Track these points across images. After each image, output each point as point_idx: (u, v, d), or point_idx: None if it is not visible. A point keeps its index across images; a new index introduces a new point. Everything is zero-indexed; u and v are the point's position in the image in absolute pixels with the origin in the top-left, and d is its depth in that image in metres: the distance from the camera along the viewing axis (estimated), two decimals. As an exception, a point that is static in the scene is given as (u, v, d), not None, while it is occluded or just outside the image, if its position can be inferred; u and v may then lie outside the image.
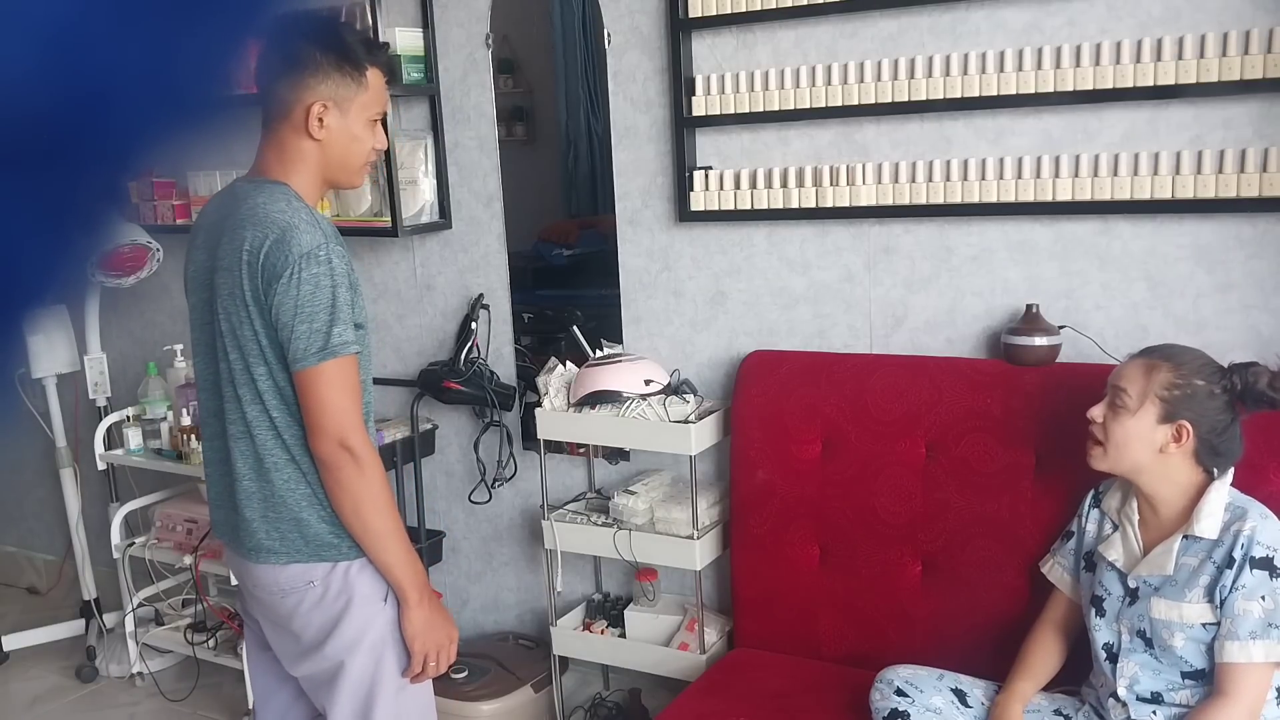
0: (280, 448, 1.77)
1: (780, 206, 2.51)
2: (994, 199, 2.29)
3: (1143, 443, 1.85)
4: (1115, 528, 1.96)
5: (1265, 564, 1.76)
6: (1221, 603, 1.77)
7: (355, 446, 1.71)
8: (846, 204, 2.44)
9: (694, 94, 2.57)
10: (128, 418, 3.32)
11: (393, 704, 1.84)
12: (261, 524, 1.79)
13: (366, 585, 1.81)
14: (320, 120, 1.75)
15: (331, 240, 1.73)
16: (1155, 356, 1.88)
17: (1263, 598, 1.75)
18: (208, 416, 1.87)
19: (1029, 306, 2.28)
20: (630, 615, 2.75)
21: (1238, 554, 1.76)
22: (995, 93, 2.26)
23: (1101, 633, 1.92)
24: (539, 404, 2.69)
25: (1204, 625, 1.79)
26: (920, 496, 2.34)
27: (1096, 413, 1.90)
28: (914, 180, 2.38)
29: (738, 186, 2.56)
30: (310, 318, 1.68)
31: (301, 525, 1.78)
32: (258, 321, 1.72)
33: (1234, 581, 1.76)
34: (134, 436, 3.29)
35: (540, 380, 2.71)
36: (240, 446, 1.79)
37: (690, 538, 2.52)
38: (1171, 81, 2.10)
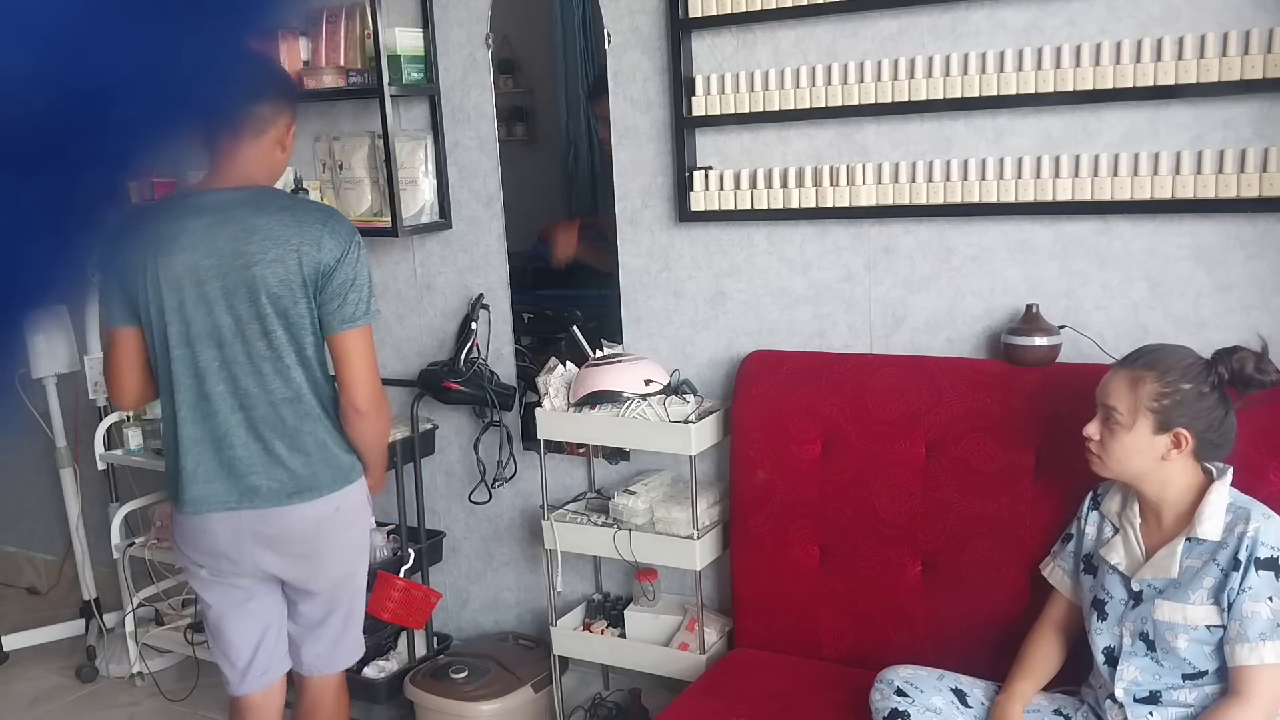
0: (320, 403, 2.13)
1: (780, 206, 2.51)
2: (994, 199, 2.29)
3: (1143, 455, 1.84)
4: (1115, 530, 1.96)
5: (1270, 564, 1.76)
6: (1229, 606, 1.77)
7: (380, 391, 2.16)
8: (846, 204, 2.44)
9: (694, 94, 2.57)
10: (127, 418, 3.32)
11: (362, 600, 2.37)
12: (301, 470, 2.11)
13: (367, 502, 2.26)
14: (290, 136, 2.15)
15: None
16: (1138, 366, 1.85)
17: (1270, 598, 1.75)
18: (220, 397, 2.09)
19: (1029, 306, 2.28)
20: (630, 615, 2.75)
21: (1242, 556, 1.76)
22: (995, 93, 2.25)
23: (1102, 636, 1.92)
24: (539, 404, 2.69)
25: (1208, 627, 1.79)
26: (920, 496, 2.34)
27: (1092, 430, 1.89)
28: (914, 180, 2.38)
29: (738, 186, 2.56)
30: (360, 287, 2.08)
31: (333, 462, 2.15)
32: (313, 300, 2.05)
33: (1240, 584, 1.75)
34: (134, 436, 3.29)
35: (540, 380, 2.71)
36: (281, 411, 2.09)
37: (690, 538, 2.52)
38: (1171, 81, 2.10)
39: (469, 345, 2.93)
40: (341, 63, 2.95)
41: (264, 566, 2.17)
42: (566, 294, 3.10)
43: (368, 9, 2.82)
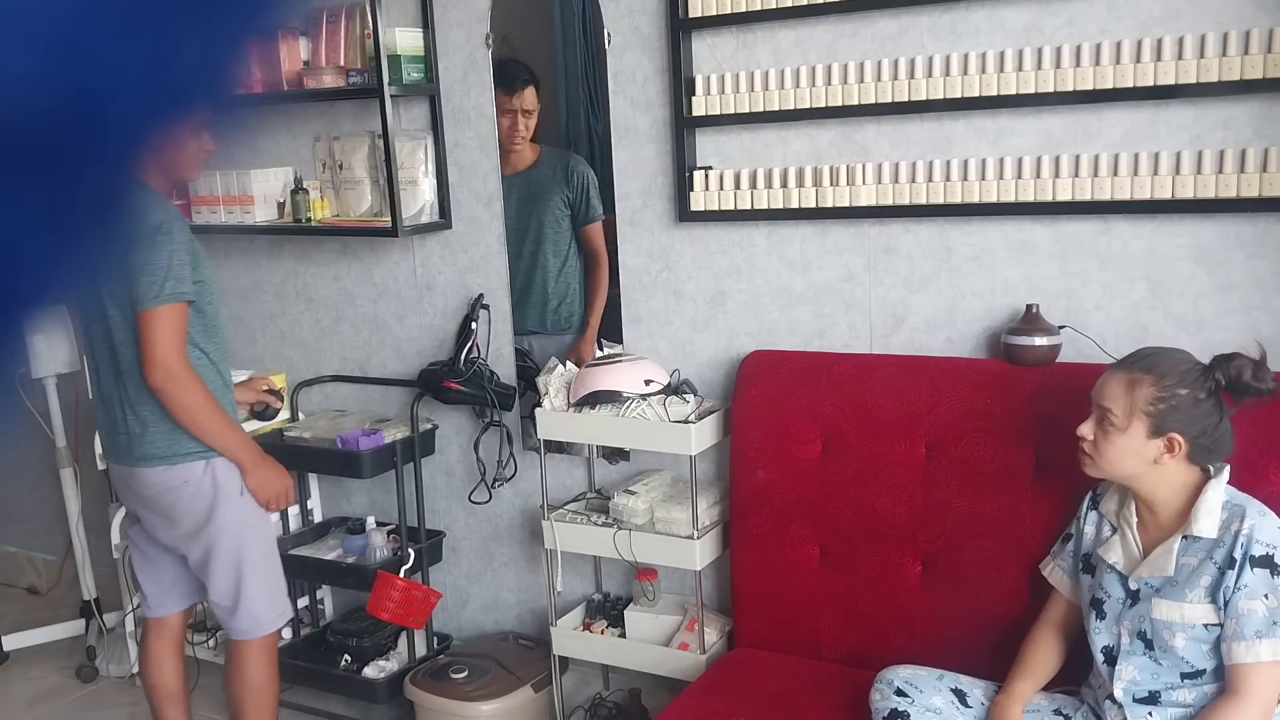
0: None
1: (780, 206, 2.51)
2: (994, 199, 2.29)
3: (1135, 457, 1.84)
4: (1114, 530, 1.96)
5: (1266, 562, 1.76)
6: (1225, 604, 1.77)
7: (176, 370, 2.27)
8: (846, 204, 2.44)
9: (694, 94, 2.57)
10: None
11: (260, 569, 2.50)
12: (140, 436, 2.36)
13: (228, 483, 2.42)
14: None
15: (174, 218, 2.30)
16: (1136, 369, 1.85)
17: (1265, 596, 1.75)
18: (96, 367, 2.41)
19: (1029, 306, 2.28)
20: (630, 615, 2.75)
21: (1238, 554, 1.76)
22: (995, 93, 2.25)
23: (1101, 635, 1.92)
24: (539, 404, 2.69)
25: (1205, 626, 1.79)
26: (920, 496, 2.34)
27: (1086, 430, 1.89)
28: (914, 180, 2.38)
29: (738, 186, 2.56)
30: (151, 271, 2.22)
31: (169, 436, 2.36)
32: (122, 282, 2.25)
33: (1236, 581, 1.75)
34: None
35: (540, 380, 2.71)
36: (128, 381, 2.34)
37: (690, 538, 2.52)
38: (1171, 81, 2.10)
39: (469, 345, 2.93)
40: (341, 63, 2.96)
41: (141, 516, 2.52)
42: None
43: (368, 9, 2.82)
